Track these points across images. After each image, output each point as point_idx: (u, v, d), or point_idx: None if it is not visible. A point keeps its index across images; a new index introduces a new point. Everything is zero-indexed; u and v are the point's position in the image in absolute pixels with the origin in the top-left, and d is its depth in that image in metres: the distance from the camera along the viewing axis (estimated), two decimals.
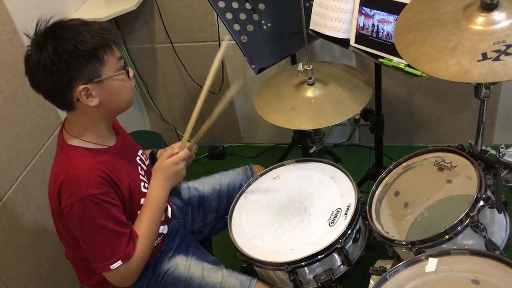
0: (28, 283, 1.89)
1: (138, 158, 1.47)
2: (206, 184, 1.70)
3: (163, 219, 1.46)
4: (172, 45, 2.50)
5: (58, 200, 1.25)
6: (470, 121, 2.39)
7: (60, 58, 1.15)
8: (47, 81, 1.18)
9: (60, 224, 1.33)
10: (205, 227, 1.69)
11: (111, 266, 1.25)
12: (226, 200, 1.66)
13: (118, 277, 1.30)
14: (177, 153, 1.47)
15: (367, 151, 2.60)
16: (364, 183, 2.24)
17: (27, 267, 1.89)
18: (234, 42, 1.78)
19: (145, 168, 1.47)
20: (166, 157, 1.46)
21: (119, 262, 1.25)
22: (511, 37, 1.14)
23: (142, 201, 1.38)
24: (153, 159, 1.61)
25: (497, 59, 1.12)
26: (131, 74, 1.29)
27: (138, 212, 1.37)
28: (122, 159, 1.36)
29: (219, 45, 2.41)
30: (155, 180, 1.43)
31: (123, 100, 1.31)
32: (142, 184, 1.40)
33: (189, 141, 1.53)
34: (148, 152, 1.63)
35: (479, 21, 1.20)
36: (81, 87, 1.19)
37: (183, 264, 1.45)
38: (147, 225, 1.35)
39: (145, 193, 1.40)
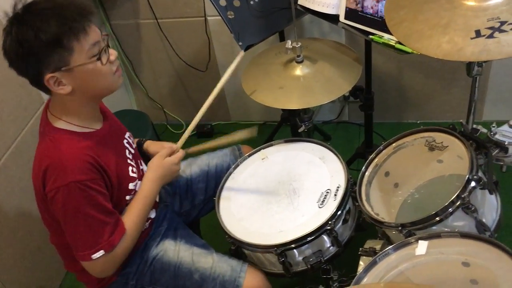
0: (13, 267, 1.87)
1: (125, 141, 1.42)
2: (193, 166, 1.67)
3: None
4: (157, 21, 2.43)
5: (42, 185, 1.21)
6: (460, 97, 2.36)
7: (22, 47, 1.10)
8: (18, 66, 1.15)
9: (44, 209, 1.29)
10: (193, 209, 1.66)
11: (92, 256, 1.21)
12: (214, 182, 1.63)
13: (98, 267, 1.27)
14: (174, 151, 1.46)
15: (356, 128, 2.58)
16: (354, 161, 2.23)
17: (12, 251, 1.86)
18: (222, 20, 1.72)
19: (132, 151, 1.43)
20: (165, 155, 1.43)
21: (101, 252, 1.22)
22: (506, 13, 1.11)
23: (130, 185, 1.35)
24: (140, 148, 1.56)
25: (490, 36, 1.08)
26: (112, 57, 1.21)
27: (127, 197, 1.34)
28: (109, 143, 1.31)
29: (205, 20, 2.35)
30: (150, 176, 1.40)
31: (102, 85, 1.24)
32: (130, 168, 1.36)
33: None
34: (135, 140, 1.58)
35: None
36: (48, 75, 1.13)
37: (172, 249, 1.43)
38: (134, 219, 1.32)
39: (133, 177, 1.36)
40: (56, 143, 1.21)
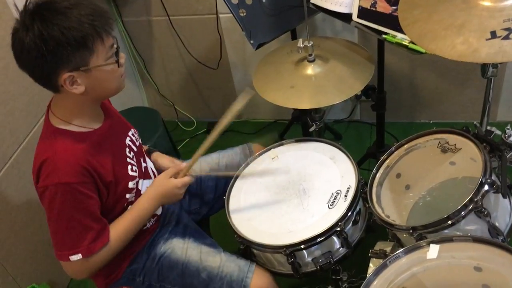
0: (25, 262, 1.88)
1: (128, 139, 1.41)
2: (203, 164, 1.66)
3: None
4: (169, 18, 2.43)
5: (37, 179, 1.21)
6: (474, 97, 2.33)
7: (46, 44, 1.08)
8: (31, 63, 1.13)
9: None
10: (202, 208, 1.66)
11: (70, 257, 1.20)
12: (224, 180, 1.62)
13: (72, 270, 1.25)
14: (180, 170, 1.41)
15: (368, 127, 2.56)
16: (365, 161, 2.21)
17: (24, 246, 1.88)
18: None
19: (135, 149, 1.42)
20: (170, 174, 1.39)
21: (79, 255, 1.21)
22: None
23: (130, 184, 1.34)
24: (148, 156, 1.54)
25: (506, 37, 1.07)
26: (122, 61, 1.22)
27: (127, 195, 1.33)
28: (107, 142, 1.30)
29: (217, 18, 2.34)
30: (150, 193, 1.37)
31: (111, 87, 1.24)
32: (130, 167, 1.35)
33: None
34: (145, 147, 1.57)
35: None
36: (66, 74, 1.13)
37: (180, 247, 1.43)
38: (120, 232, 1.30)
39: (133, 176, 1.35)
40: (52, 142, 1.20)
